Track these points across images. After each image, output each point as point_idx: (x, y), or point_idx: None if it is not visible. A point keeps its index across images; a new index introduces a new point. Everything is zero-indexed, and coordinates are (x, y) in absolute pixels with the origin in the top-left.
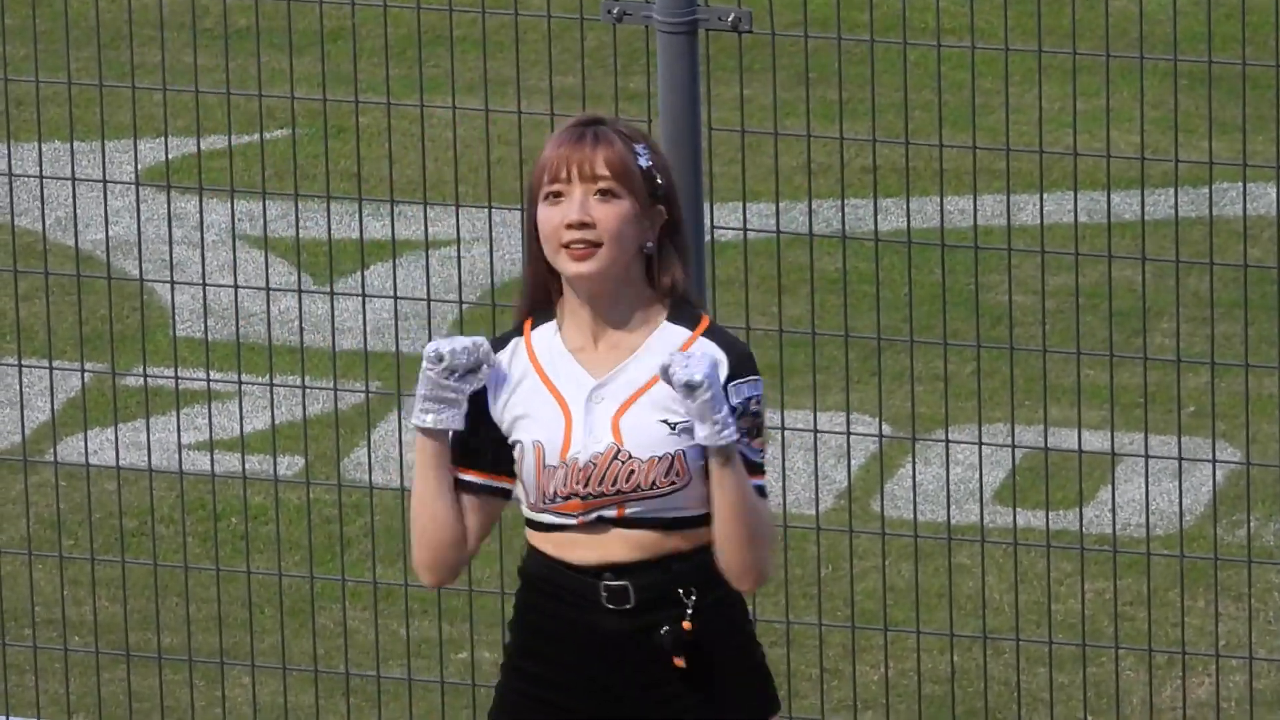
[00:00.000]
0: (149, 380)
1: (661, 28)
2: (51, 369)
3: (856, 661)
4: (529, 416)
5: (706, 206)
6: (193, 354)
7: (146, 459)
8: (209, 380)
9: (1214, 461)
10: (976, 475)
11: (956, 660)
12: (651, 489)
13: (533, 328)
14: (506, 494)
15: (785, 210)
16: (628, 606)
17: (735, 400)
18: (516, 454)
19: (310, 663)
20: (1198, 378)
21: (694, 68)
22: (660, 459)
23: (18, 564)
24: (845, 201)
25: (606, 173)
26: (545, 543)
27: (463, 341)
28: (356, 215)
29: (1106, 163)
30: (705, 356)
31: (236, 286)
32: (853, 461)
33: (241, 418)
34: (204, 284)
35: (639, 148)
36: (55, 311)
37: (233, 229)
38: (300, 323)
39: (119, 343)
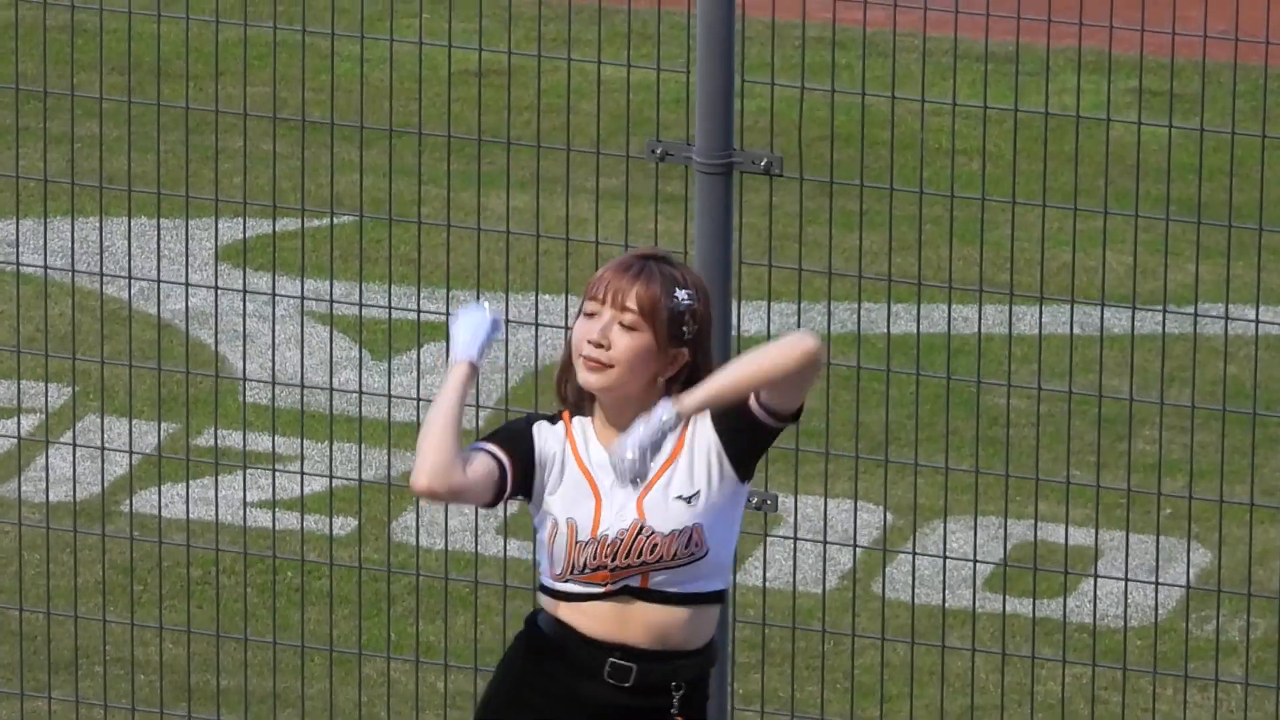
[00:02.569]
0: (219, 441)
1: (700, 168)
2: (131, 427)
3: None
4: (563, 496)
5: (735, 305)
6: (259, 419)
7: (214, 514)
8: (274, 444)
9: (1188, 561)
10: (970, 563)
11: None
12: (674, 559)
13: (571, 416)
14: (500, 494)
15: (805, 310)
16: (625, 685)
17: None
18: (548, 526)
19: (355, 709)
20: (1174, 481)
21: (728, 204)
22: (680, 532)
23: (92, 606)
24: (860, 304)
25: (634, 307)
26: (566, 610)
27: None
28: (415, 297)
29: (1102, 280)
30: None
31: (303, 358)
32: (857, 545)
33: (302, 480)
34: (273, 354)
35: (681, 293)
36: (135, 374)
37: (301, 305)
38: (359, 394)
39: (192, 405)
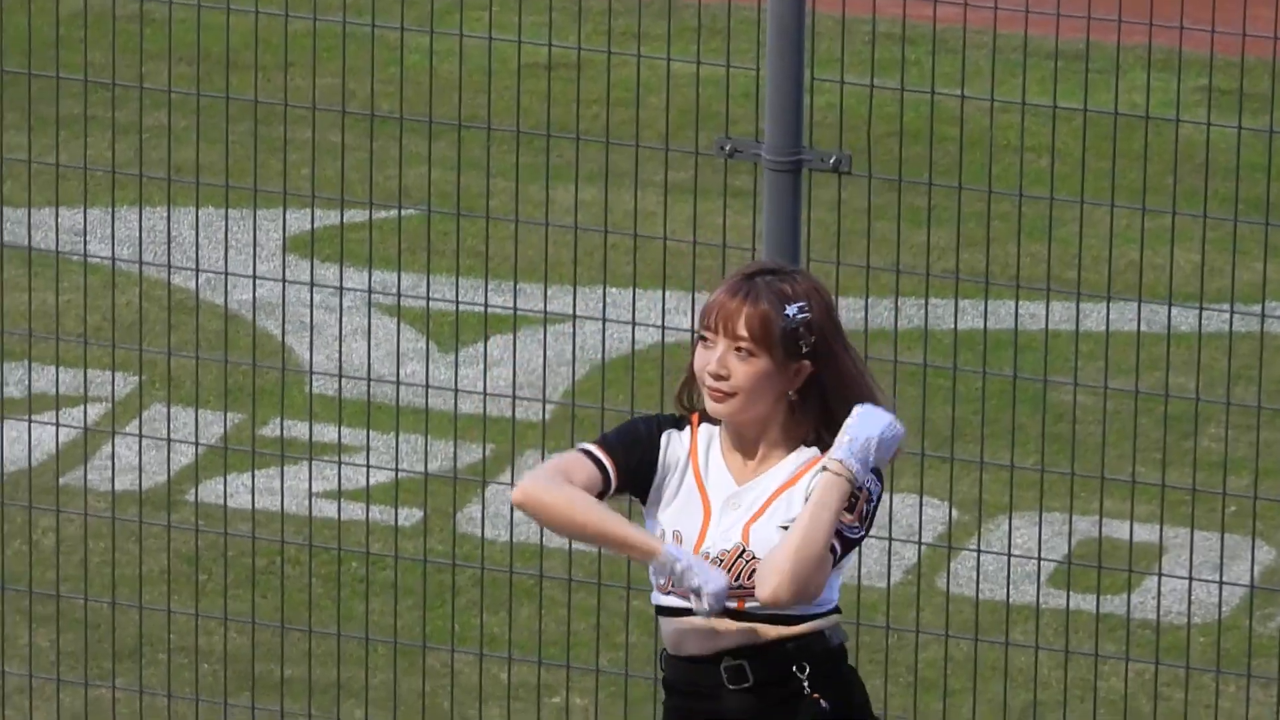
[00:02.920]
0: (284, 432)
1: (769, 165)
2: (197, 417)
3: None
4: (675, 506)
5: None
6: (325, 410)
7: (279, 504)
8: (340, 435)
9: (1252, 559)
10: (1034, 560)
11: None
12: None
13: (700, 421)
14: (604, 493)
15: (873, 305)
16: (746, 685)
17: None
18: (655, 535)
19: (418, 700)
20: (1239, 479)
21: (797, 203)
22: None
23: (156, 595)
24: (928, 300)
25: (745, 334)
26: (672, 638)
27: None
28: (482, 290)
29: (1169, 278)
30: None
31: (369, 350)
32: (922, 541)
33: (368, 471)
34: (339, 345)
35: (791, 308)
36: (201, 364)
37: (369, 297)
38: (426, 386)
39: (258, 396)
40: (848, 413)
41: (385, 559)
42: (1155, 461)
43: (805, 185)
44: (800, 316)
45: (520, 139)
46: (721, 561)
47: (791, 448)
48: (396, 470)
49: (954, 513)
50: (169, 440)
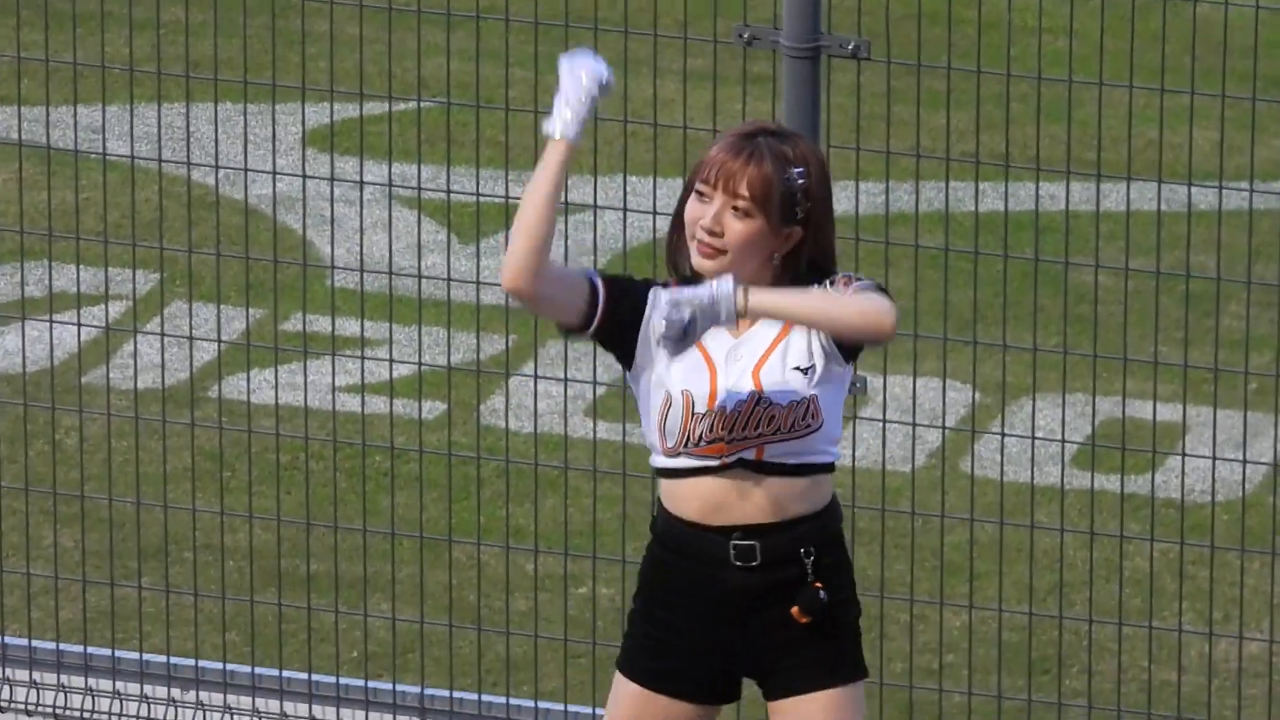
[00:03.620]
0: (307, 326)
1: (788, 52)
2: (219, 313)
3: (943, 609)
4: (676, 369)
5: None
6: (347, 304)
7: (302, 399)
8: (362, 328)
9: (1275, 436)
10: (1058, 441)
11: (1033, 609)
12: (791, 431)
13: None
14: (587, 320)
15: (893, 189)
16: (754, 564)
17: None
18: (659, 399)
19: (445, 593)
20: (1261, 356)
21: (816, 89)
22: (797, 404)
23: (180, 493)
24: (948, 183)
25: (746, 194)
26: (679, 501)
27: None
28: (502, 180)
29: (1189, 157)
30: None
31: (390, 242)
32: (945, 425)
33: (391, 364)
34: (360, 239)
35: (792, 171)
36: (223, 260)
37: (389, 190)
38: (448, 279)
39: (280, 291)
40: (815, 279)
41: (410, 453)
42: (1177, 341)
43: (824, 71)
44: (801, 182)
45: (538, 29)
46: (740, 413)
47: None
48: (420, 363)
49: (977, 395)
50: (191, 337)
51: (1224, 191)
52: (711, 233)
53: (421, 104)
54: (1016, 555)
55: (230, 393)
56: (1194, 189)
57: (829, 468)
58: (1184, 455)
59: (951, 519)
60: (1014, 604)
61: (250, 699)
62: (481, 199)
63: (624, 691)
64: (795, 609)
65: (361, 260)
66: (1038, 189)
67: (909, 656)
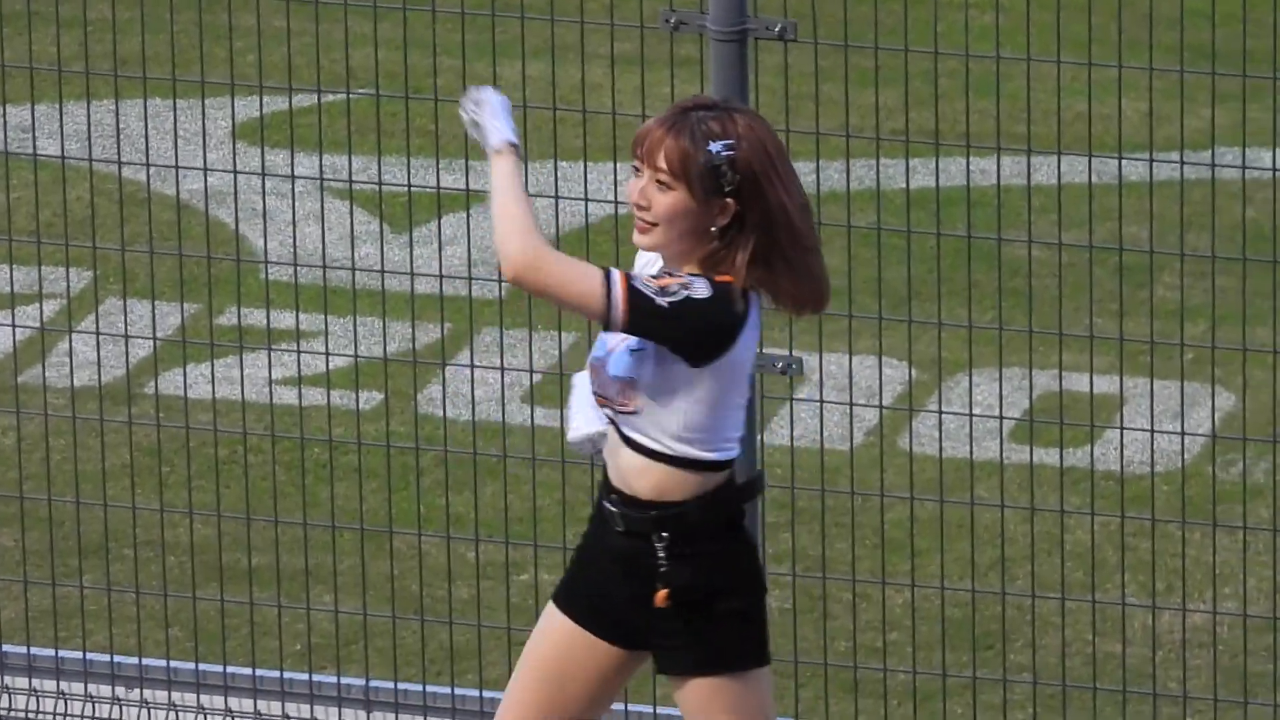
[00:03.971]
0: (242, 320)
1: (714, 36)
2: (154, 309)
3: (885, 587)
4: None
5: None
6: (281, 296)
7: (239, 393)
8: (297, 321)
9: (1213, 406)
10: (996, 417)
11: (975, 585)
12: (621, 406)
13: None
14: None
15: (824, 168)
16: (619, 530)
17: None
18: None
19: (387, 583)
20: (1196, 327)
21: (743, 72)
22: (623, 381)
23: (120, 490)
24: (879, 161)
25: (664, 166)
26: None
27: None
28: (434, 169)
29: (1119, 128)
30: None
31: (324, 234)
32: (882, 404)
33: (327, 356)
34: (293, 231)
35: (716, 145)
36: (156, 256)
37: (320, 182)
38: (381, 270)
39: (214, 285)
40: (780, 255)
41: (348, 444)
42: (1112, 313)
43: (751, 53)
44: (724, 154)
45: (465, 17)
46: (598, 373)
47: None
48: (355, 354)
49: (913, 372)
50: (126, 335)
51: (1154, 163)
52: (639, 206)
53: (350, 95)
54: (957, 531)
55: (167, 389)
56: (1125, 161)
57: (672, 459)
58: (1122, 428)
59: (891, 497)
60: (956, 580)
61: (195, 695)
62: (413, 189)
63: (546, 612)
64: (662, 592)
65: (295, 253)
66: (969, 164)
67: (852, 635)
